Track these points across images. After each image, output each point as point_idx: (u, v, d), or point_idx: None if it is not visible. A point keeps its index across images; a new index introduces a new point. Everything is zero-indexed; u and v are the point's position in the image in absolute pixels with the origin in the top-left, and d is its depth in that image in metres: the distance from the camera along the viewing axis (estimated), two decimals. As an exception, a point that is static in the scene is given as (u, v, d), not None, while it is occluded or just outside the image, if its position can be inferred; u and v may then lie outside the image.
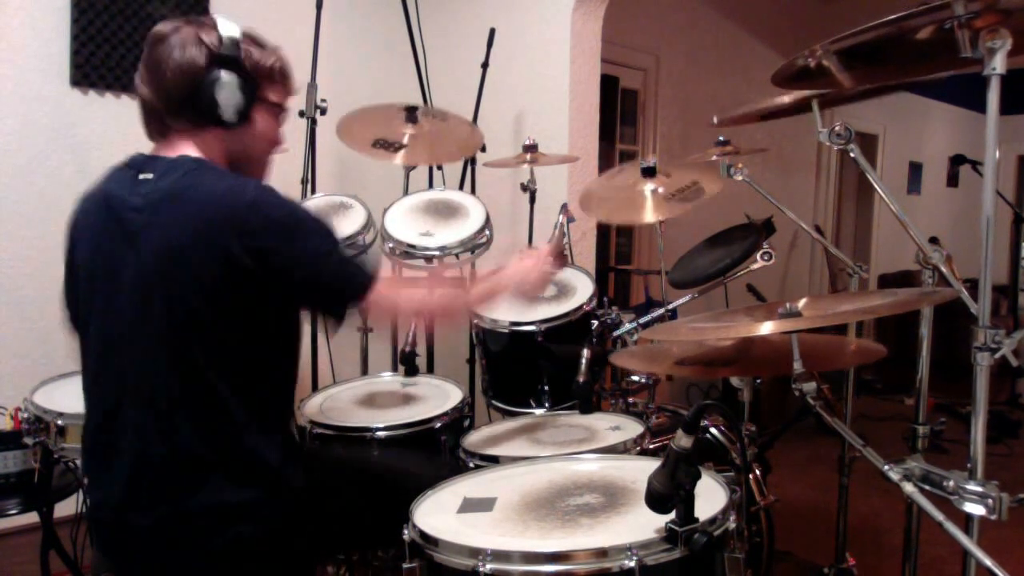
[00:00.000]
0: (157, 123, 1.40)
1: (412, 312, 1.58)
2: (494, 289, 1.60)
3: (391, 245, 2.28)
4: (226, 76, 1.34)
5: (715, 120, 2.12)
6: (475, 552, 1.10)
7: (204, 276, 1.26)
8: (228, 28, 1.37)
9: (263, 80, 1.41)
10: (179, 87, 1.34)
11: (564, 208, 2.35)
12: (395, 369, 2.57)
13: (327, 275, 1.33)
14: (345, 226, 2.34)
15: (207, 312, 1.27)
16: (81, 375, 1.41)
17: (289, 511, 1.35)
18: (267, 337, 1.35)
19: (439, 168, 3.03)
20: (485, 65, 3.10)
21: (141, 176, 1.34)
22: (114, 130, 2.88)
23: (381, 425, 1.84)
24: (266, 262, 1.27)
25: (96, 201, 1.38)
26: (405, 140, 2.60)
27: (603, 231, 3.89)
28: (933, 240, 1.47)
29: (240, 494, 1.30)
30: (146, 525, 1.30)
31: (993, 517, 1.19)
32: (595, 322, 2.08)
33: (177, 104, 1.36)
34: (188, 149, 1.37)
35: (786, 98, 1.81)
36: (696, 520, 1.08)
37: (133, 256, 1.30)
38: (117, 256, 1.31)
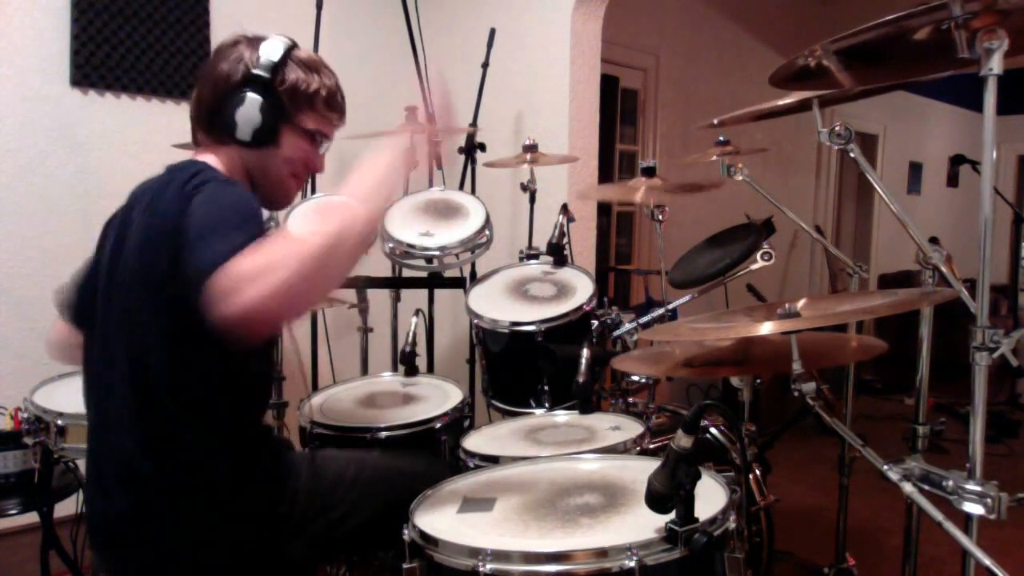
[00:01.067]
0: (193, 132, 1.40)
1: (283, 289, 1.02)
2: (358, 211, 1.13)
3: (391, 245, 2.28)
4: (250, 96, 1.31)
5: (715, 121, 2.12)
6: (475, 552, 1.10)
7: (150, 274, 1.21)
8: (270, 48, 1.34)
9: (298, 105, 1.36)
10: (210, 100, 1.34)
11: (564, 208, 2.36)
12: (395, 369, 2.57)
13: (196, 228, 1.13)
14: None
15: (153, 312, 1.22)
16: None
17: (258, 521, 1.33)
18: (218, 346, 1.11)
19: (439, 168, 3.03)
20: (485, 65, 3.10)
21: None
22: (114, 130, 2.88)
23: (382, 425, 1.84)
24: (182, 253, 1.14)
25: (124, 204, 1.38)
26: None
27: (603, 231, 3.89)
28: (933, 240, 1.47)
29: (190, 505, 1.27)
30: (125, 529, 1.29)
31: (992, 517, 1.19)
32: (595, 322, 2.09)
33: (206, 116, 1.36)
34: (208, 160, 1.36)
35: (787, 99, 1.82)
36: (696, 520, 1.08)
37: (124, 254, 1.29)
38: (120, 255, 1.31)
